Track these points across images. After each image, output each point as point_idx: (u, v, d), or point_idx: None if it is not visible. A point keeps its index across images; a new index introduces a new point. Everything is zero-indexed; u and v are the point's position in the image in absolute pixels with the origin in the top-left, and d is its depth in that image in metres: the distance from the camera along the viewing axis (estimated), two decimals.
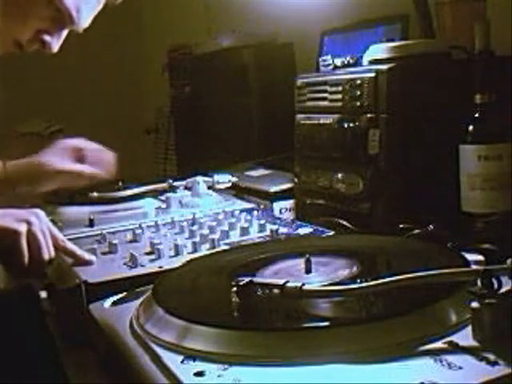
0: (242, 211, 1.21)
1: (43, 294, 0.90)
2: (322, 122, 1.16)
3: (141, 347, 0.64)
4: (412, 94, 1.04)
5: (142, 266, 0.92)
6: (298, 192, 1.28)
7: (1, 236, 0.92)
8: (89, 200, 1.34)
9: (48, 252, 0.94)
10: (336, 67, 1.23)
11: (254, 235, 1.06)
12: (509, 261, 0.62)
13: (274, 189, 1.35)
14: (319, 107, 1.19)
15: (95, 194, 1.35)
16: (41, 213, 0.97)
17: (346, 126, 1.09)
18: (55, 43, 0.97)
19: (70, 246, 0.98)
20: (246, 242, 1.02)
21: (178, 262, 0.90)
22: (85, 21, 0.98)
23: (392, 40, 1.19)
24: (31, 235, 0.93)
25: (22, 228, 0.93)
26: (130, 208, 1.30)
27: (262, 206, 1.29)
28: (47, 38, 0.96)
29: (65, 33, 0.98)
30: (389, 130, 1.04)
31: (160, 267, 0.90)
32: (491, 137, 0.95)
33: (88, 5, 0.96)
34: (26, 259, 0.92)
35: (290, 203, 1.32)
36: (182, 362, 0.58)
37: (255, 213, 1.18)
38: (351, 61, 1.21)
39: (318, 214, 1.18)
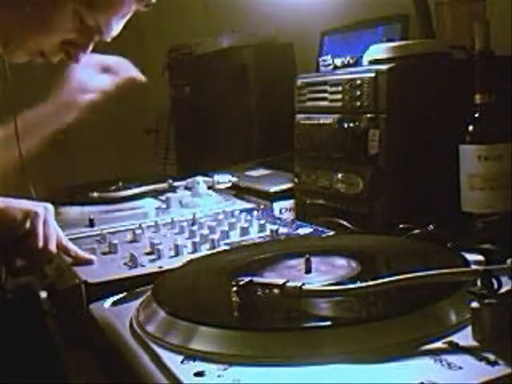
0: (242, 211, 1.21)
1: (43, 294, 0.91)
2: (322, 122, 1.16)
3: (141, 347, 0.64)
4: (412, 93, 1.04)
5: (142, 266, 0.92)
6: (297, 192, 1.28)
7: (21, 218, 0.93)
8: (89, 200, 1.34)
9: (53, 245, 0.95)
10: (336, 67, 1.23)
11: (254, 235, 1.06)
12: (509, 261, 0.62)
13: (273, 189, 1.35)
14: (319, 107, 1.19)
15: (95, 194, 1.36)
16: (51, 207, 0.98)
17: (345, 125, 1.09)
18: (81, 55, 0.95)
19: (71, 246, 0.98)
20: (246, 242, 1.02)
21: (178, 262, 0.90)
22: (115, 31, 0.96)
23: (392, 40, 1.19)
24: (45, 221, 0.95)
25: (41, 211, 0.94)
26: (129, 208, 1.30)
27: (261, 206, 1.29)
28: (73, 49, 0.94)
29: (92, 44, 0.96)
30: (389, 130, 1.04)
31: (160, 267, 0.90)
32: (491, 137, 0.95)
33: (118, 17, 0.94)
34: (41, 243, 0.93)
35: (289, 203, 1.32)
36: (181, 362, 0.58)
37: (255, 213, 1.18)
38: (351, 61, 1.21)
39: (318, 214, 1.18)
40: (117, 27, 0.95)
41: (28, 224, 0.93)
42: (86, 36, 0.93)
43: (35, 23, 0.91)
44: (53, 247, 0.95)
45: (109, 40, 0.96)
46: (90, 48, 0.96)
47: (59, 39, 0.92)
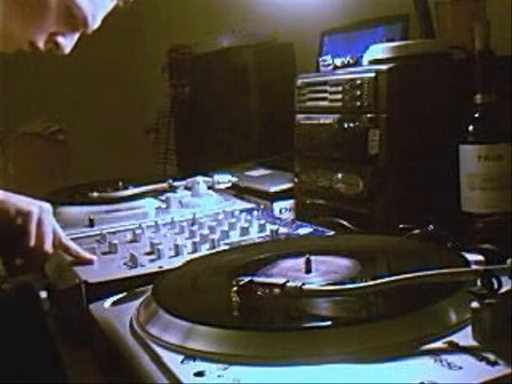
0: (242, 211, 1.21)
1: (43, 294, 0.91)
2: (321, 121, 1.16)
3: (141, 347, 0.64)
4: (412, 94, 1.04)
5: (142, 266, 0.92)
6: (297, 192, 1.28)
7: (14, 216, 0.94)
8: (89, 200, 1.34)
9: (49, 245, 0.95)
10: (336, 67, 1.23)
11: (254, 235, 1.06)
12: (509, 261, 0.62)
13: (274, 189, 1.35)
14: (319, 107, 1.19)
15: (95, 194, 1.36)
16: (49, 206, 0.99)
17: (345, 126, 1.09)
18: (68, 45, 0.99)
19: (72, 244, 0.98)
20: (246, 242, 1.02)
21: (178, 262, 0.90)
22: (96, 24, 1.00)
23: (392, 40, 1.19)
24: (40, 221, 0.95)
25: (35, 210, 0.95)
26: (130, 208, 1.29)
27: (262, 206, 1.29)
28: (61, 40, 0.98)
29: (77, 35, 1.00)
30: (389, 129, 1.04)
31: (160, 267, 0.90)
32: (491, 137, 0.95)
33: (102, 10, 0.99)
34: (33, 242, 0.94)
35: (289, 203, 1.32)
36: (181, 362, 0.58)
37: (255, 213, 1.18)
38: (351, 61, 1.21)
39: (317, 214, 1.18)
40: (99, 21, 1.00)
41: (19, 222, 0.94)
42: (72, 27, 0.98)
43: (29, 14, 0.94)
44: (47, 247, 0.95)
45: (90, 32, 1.00)
46: (76, 38, 1.00)
47: (50, 30, 0.96)
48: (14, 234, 0.94)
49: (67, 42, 0.99)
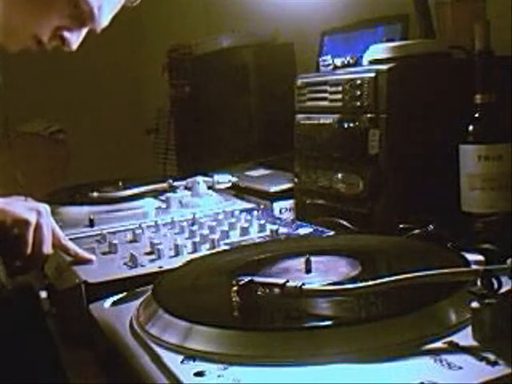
0: (242, 211, 1.21)
1: (43, 294, 0.91)
2: (321, 121, 1.16)
3: (141, 347, 0.64)
4: (412, 93, 1.04)
5: (142, 266, 0.92)
6: (298, 192, 1.28)
7: (11, 224, 0.92)
8: (89, 200, 1.34)
9: (47, 247, 0.95)
10: (336, 67, 1.23)
11: (254, 235, 1.06)
12: (509, 261, 0.62)
13: (274, 189, 1.35)
14: (319, 107, 1.19)
15: (95, 194, 1.36)
16: (47, 208, 0.98)
17: (346, 126, 1.09)
18: (74, 41, 0.96)
19: (71, 244, 0.98)
20: (246, 242, 1.02)
21: (178, 262, 0.90)
22: (105, 20, 0.97)
23: (392, 40, 1.19)
24: (38, 227, 0.93)
25: (33, 218, 0.93)
26: (130, 208, 1.29)
27: (262, 206, 1.29)
28: (67, 34, 0.95)
29: (84, 31, 0.97)
30: (389, 129, 1.04)
31: (160, 267, 0.90)
32: (491, 137, 0.95)
33: (109, 4, 0.96)
34: (29, 250, 0.93)
35: (289, 203, 1.32)
36: (181, 362, 0.58)
37: (255, 213, 1.18)
38: (351, 61, 1.21)
39: (317, 214, 1.18)
40: (107, 17, 0.97)
41: (16, 231, 0.92)
42: (79, 22, 0.95)
43: (33, 6, 0.92)
44: (46, 250, 0.94)
45: (99, 30, 0.98)
46: (83, 34, 0.98)
47: (55, 24, 0.94)
48: (11, 240, 0.93)
49: (74, 38, 0.96)
